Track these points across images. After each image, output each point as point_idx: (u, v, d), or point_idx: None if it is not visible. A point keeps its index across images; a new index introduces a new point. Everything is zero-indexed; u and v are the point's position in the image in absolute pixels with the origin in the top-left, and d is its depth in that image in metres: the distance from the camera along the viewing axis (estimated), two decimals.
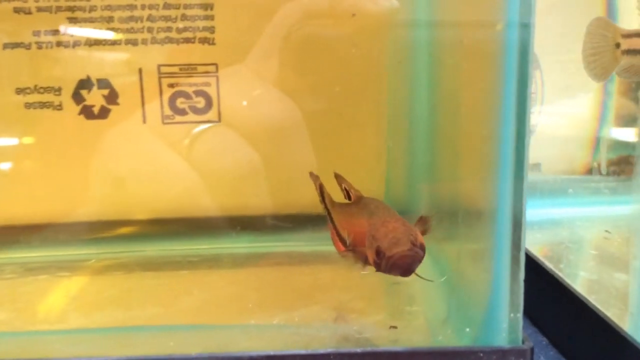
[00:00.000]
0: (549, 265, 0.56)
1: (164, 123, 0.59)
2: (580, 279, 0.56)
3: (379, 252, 0.42)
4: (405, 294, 0.52)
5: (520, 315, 0.40)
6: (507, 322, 0.41)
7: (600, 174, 0.65)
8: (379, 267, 0.42)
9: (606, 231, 0.63)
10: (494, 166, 0.40)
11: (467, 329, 0.43)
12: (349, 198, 0.51)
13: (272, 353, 0.41)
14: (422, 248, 0.42)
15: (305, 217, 0.61)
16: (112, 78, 0.58)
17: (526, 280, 0.41)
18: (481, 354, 0.40)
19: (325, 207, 0.51)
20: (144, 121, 0.59)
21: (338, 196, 0.52)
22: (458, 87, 0.50)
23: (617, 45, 0.50)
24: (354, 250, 0.46)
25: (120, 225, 0.62)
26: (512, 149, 0.38)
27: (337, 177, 0.52)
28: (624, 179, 0.64)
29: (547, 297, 0.53)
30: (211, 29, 0.58)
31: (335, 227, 0.50)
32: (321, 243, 0.60)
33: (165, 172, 0.60)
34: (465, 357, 0.40)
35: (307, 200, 0.60)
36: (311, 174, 0.52)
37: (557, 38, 0.67)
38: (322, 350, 0.41)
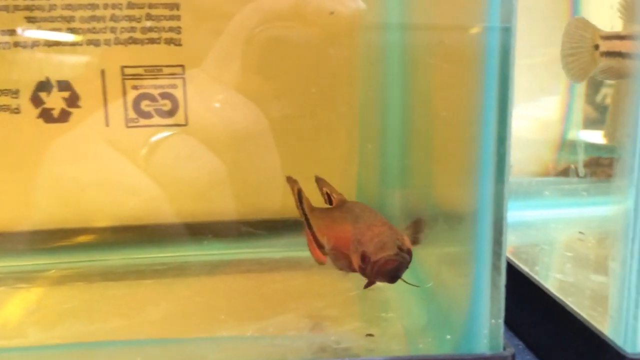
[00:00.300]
0: (524, 267, 0.56)
1: (128, 126, 0.57)
2: (557, 281, 0.56)
3: (364, 257, 0.41)
4: (380, 300, 0.51)
5: (501, 321, 0.40)
6: (488, 329, 0.40)
7: (578, 176, 0.65)
8: (364, 273, 0.42)
9: (580, 232, 0.64)
10: (474, 170, 0.39)
11: (448, 336, 0.43)
12: (331, 203, 0.50)
13: None
14: (409, 253, 0.41)
15: (275, 222, 0.60)
16: (73, 80, 0.56)
17: None
18: None
19: (303, 212, 0.50)
20: (107, 124, 0.57)
21: (315, 201, 0.51)
22: (435, 90, 0.49)
23: (596, 46, 0.50)
24: (335, 256, 0.45)
25: (81, 233, 0.60)
26: (493, 153, 0.38)
27: (318, 180, 0.51)
28: (596, 180, 0.65)
29: (523, 300, 0.53)
30: (177, 30, 0.56)
31: (313, 234, 0.48)
32: (292, 249, 0.59)
33: (129, 178, 0.58)
34: None
35: (277, 205, 0.59)
36: (289, 178, 0.51)
37: (525, 41, 0.67)
38: None
